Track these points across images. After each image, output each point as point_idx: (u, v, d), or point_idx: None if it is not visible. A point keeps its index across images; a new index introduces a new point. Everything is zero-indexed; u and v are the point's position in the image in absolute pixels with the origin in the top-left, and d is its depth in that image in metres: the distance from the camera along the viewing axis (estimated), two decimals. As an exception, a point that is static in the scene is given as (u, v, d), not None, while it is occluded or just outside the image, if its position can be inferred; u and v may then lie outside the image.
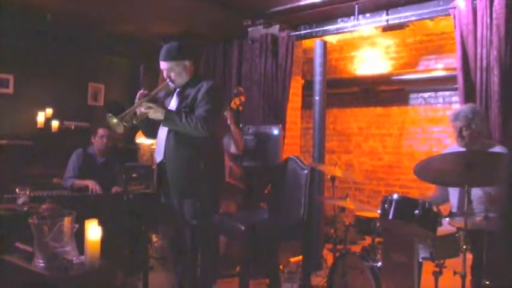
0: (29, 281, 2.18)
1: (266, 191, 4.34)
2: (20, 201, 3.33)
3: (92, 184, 4.08)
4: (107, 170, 4.32)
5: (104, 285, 2.25)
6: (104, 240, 2.36)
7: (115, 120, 2.84)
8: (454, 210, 3.03)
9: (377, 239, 3.08)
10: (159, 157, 3.09)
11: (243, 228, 2.76)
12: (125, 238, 3.76)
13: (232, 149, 4.33)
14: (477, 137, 2.91)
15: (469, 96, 3.62)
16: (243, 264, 2.88)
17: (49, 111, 5.97)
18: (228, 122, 4.16)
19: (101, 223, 2.34)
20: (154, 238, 4.60)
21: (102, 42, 6.05)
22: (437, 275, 2.73)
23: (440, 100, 5.71)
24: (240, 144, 4.34)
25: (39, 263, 2.19)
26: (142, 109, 2.91)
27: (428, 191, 5.03)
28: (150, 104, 2.89)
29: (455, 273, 2.47)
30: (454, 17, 3.72)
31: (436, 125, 5.71)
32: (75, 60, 6.11)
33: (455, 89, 5.13)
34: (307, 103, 5.39)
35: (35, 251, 2.24)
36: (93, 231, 2.23)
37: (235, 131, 4.27)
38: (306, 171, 3.01)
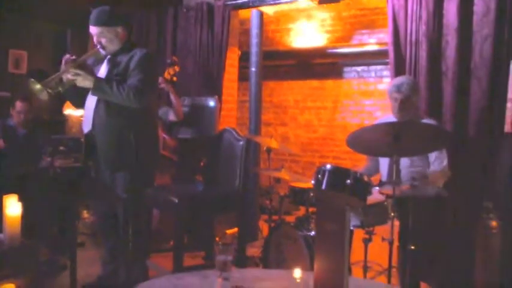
0: None
1: (201, 163, 4.28)
2: None
3: None
4: (30, 142, 4.04)
5: (26, 264, 2.11)
6: (29, 217, 2.21)
7: (38, 86, 2.64)
8: (384, 179, 3.14)
9: (311, 209, 3.14)
10: (86, 128, 2.93)
11: (176, 201, 2.69)
12: (52, 214, 3.58)
13: (171, 117, 4.22)
14: (411, 109, 3.01)
15: (399, 70, 3.72)
16: (177, 237, 2.83)
17: (-36, 79, 5.47)
18: (164, 87, 4.04)
19: (24, 199, 2.19)
20: (85, 214, 4.42)
21: (26, 4, 5.58)
22: (367, 241, 2.85)
23: (373, 74, 5.88)
24: (179, 111, 4.23)
25: (-49, 243, 2.02)
26: (70, 76, 2.72)
27: (360, 162, 5.23)
28: (78, 71, 2.70)
29: (383, 239, 2.57)
30: (387, -9, 3.78)
31: (367, 98, 5.89)
32: (-6, 23, 5.61)
33: (386, 63, 5.29)
34: (243, 75, 5.34)
35: None
36: (13, 207, 2.07)
37: (174, 97, 4.15)
38: (241, 143, 2.97)
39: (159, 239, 3.86)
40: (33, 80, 2.63)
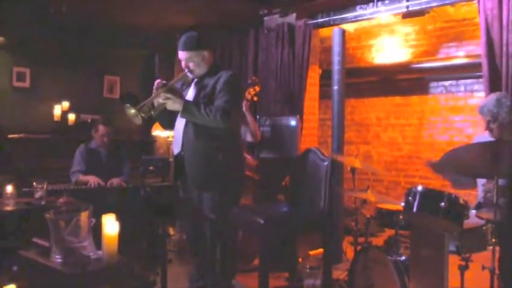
0: (46, 276, 2.15)
1: (284, 183, 4.27)
2: (38, 195, 3.32)
3: (92, 179, 3.96)
4: (112, 162, 4.25)
5: (122, 281, 2.21)
6: (122, 234, 2.32)
7: (133, 111, 2.80)
8: (481, 200, 2.92)
9: (400, 232, 3.00)
10: (176, 149, 3.05)
11: (262, 221, 2.69)
12: (143, 232, 3.74)
13: (248, 138, 4.28)
14: (509, 128, 2.80)
15: (494, 83, 3.49)
16: (262, 258, 2.82)
17: (65, 104, 5.98)
18: (244, 109, 4.09)
19: (118, 217, 2.31)
20: (171, 231, 4.57)
21: (117, 34, 6.02)
22: (463, 269, 2.63)
23: (462, 88, 5.56)
24: (256, 132, 4.28)
25: (57, 258, 2.16)
26: (160, 100, 2.86)
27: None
28: (168, 95, 2.83)
29: (484, 267, 2.37)
30: (478, 2, 3.58)
31: (457, 114, 5.56)
32: (91, 52, 6.09)
33: (478, 77, 4.98)
34: (323, 93, 5.29)
35: (52, 246, 2.21)
36: (111, 226, 2.18)
37: (250, 119, 4.21)
38: (326, 163, 2.92)
39: (241, 258, 3.88)
40: (128, 105, 2.78)
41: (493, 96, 2.95)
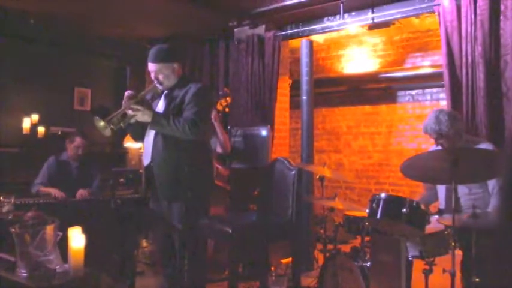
0: (11, 291, 2.14)
1: (255, 193, 4.31)
2: (5, 209, 3.27)
3: (54, 192, 3.90)
4: (83, 174, 4.22)
5: (89, 294, 2.21)
6: (91, 246, 2.32)
7: (102, 123, 2.80)
8: (442, 207, 3.02)
9: (366, 238, 3.07)
10: (146, 160, 3.06)
11: (230, 231, 2.72)
12: (113, 243, 3.71)
13: (218, 149, 4.30)
14: (457, 138, 2.91)
15: (455, 92, 3.62)
16: (231, 267, 2.85)
17: (35, 117, 5.87)
18: (213, 120, 4.12)
19: (88, 229, 2.30)
20: (144, 243, 4.55)
21: (88, 46, 5.99)
22: (427, 273, 2.71)
23: (428, 97, 5.73)
24: (226, 143, 4.30)
25: (22, 272, 2.14)
26: (130, 111, 2.87)
27: (419, 187, 5.05)
28: (138, 106, 2.85)
29: (444, 271, 2.46)
30: (439, 14, 3.73)
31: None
32: (61, 64, 6.02)
33: (443, 86, 5.14)
34: (295, 103, 5.38)
35: (17, 261, 2.19)
36: (77, 239, 2.18)
37: (220, 130, 4.23)
38: (293, 172, 2.98)
39: (213, 268, 3.89)
40: (97, 117, 2.79)
41: (432, 114, 3.01)
